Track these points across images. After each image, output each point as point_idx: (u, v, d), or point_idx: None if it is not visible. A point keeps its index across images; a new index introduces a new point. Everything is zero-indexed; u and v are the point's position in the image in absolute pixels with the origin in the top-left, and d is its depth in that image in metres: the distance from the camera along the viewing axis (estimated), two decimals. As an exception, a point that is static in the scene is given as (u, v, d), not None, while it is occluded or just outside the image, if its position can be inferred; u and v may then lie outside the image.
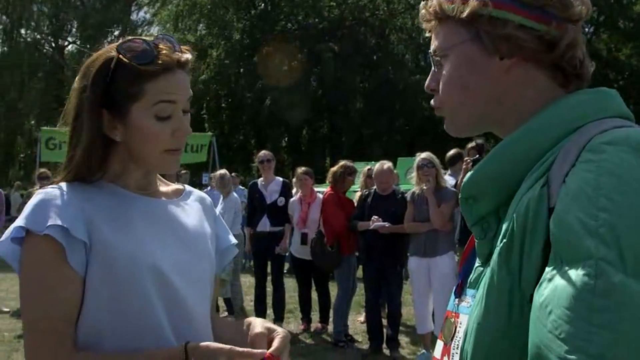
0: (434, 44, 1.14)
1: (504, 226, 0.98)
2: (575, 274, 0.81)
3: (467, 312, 1.08)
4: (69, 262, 1.39)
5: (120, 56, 1.46)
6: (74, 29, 35.85)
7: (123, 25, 34.49)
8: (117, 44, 1.49)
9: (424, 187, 6.19)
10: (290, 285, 8.52)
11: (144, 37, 1.51)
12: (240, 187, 12.87)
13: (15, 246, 1.42)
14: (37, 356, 1.40)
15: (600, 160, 0.87)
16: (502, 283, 0.95)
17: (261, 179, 8.13)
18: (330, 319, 7.53)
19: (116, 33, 34.59)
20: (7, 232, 1.42)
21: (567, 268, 0.83)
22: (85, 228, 1.40)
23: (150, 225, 1.51)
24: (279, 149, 28.45)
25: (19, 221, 1.40)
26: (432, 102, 1.16)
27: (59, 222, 1.38)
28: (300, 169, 7.95)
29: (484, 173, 1.05)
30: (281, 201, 7.85)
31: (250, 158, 29.21)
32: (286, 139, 30.53)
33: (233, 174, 12.24)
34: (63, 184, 1.48)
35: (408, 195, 6.49)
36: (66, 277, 1.39)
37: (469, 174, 1.09)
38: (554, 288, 0.83)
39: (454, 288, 1.19)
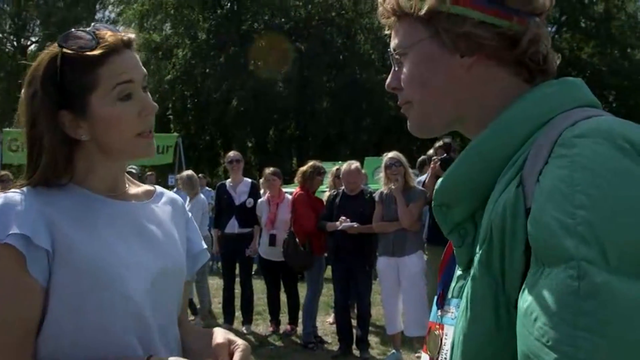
0: (393, 42, 1.11)
1: (482, 232, 0.94)
2: (558, 276, 0.78)
3: (452, 323, 1.03)
4: (29, 272, 1.33)
5: (64, 50, 1.41)
6: (36, 28, 35.34)
7: (87, 24, 33.97)
8: (56, 41, 1.44)
9: (392, 187, 6.18)
10: (259, 287, 8.47)
11: (84, 29, 1.46)
12: (207, 188, 12.78)
13: None
14: None
15: (573, 155, 0.84)
16: (486, 290, 0.91)
17: (229, 180, 8.07)
18: (299, 321, 7.48)
19: (80, 31, 34.21)
20: None
21: (548, 271, 0.79)
22: (47, 234, 1.34)
23: (115, 229, 1.45)
24: (246, 149, 28.38)
25: None
26: (399, 101, 1.13)
27: (20, 230, 1.31)
28: (268, 170, 7.89)
29: (455, 178, 1.02)
30: (250, 202, 7.80)
31: (217, 159, 29.11)
32: (253, 139, 30.44)
33: (200, 175, 12.14)
34: (25, 188, 1.42)
35: (376, 195, 6.48)
36: (26, 287, 1.33)
37: (439, 180, 1.05)
38: (537, 293, 0.80)
39: (436, 298, 1.14)
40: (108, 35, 1.42)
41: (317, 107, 28.53)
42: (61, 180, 1.45)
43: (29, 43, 35.66)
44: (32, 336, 1.36)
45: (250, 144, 30.36)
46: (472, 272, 0.95)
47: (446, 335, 1.07)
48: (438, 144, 6.41)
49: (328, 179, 8.20)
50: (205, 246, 1.73)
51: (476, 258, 0.94)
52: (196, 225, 1.75)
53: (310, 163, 7.52)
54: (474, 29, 1.00)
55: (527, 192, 0.88)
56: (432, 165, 6.30)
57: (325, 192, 7.99)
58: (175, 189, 9.95)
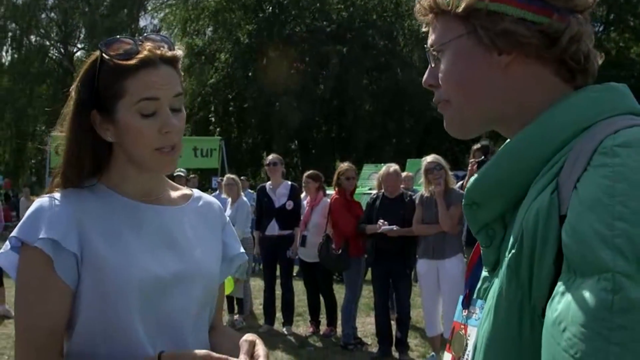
0: (430, 39, 1.09)
1: (512, 236, 0.92)
2: (591, 288, 0.75)
3: (476, 325, 1.03)
4: (58, 274, 1.38)
5: (103, 55, 1.45)
6: (82, 35, 36.08)
7: (131, 31, 34.70)
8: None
9: (433, 190, 6.15)
10: (300, 288, 8.52)
11: (132, 37, 1.49)
12: (250, 190, 12.87)
13: (15, 255, 1.43)
14: None
15: (615, 165, 0.81)
16: (512, 296, 0.90)
17: (269, 182, 8.14)
18: (339, 323, 7.50)
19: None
20: (7, 244, 1.43)
21: (580, 281, 0.77)
22: (77, 240, 1.39)
23: (145, 235, 1.48)
24: (289, 152, 28.53)
25: (15, 232, 1.41)
26: (434, 99, 1.11)
27: (49, 235, 1.37)
28: (307, 173, 8.00)
29: (488, 178, 1.00)
30: (290, 205, 7.85)
31: (260, 161, 29.29)
32: (295, 142, 30.57)
33: (242, 178, 12.25)
34: (58, 193, 1.46)
35: (416, 198, 6.47)
36: (54, 289, 1.39)
37: (472, 178, 1.03)
38: (568, 303, 0.78)
39: (461, 298, 1.13)
40: (147, 47, 1.44)
41: (359, 109, 28.52)
42: (90, 179, 1.49)
43: (75, 50, 36.44)
44: (58, 336, 1.42)
45: (293, 147, 30.51)
46: (499, 276, 0.94)
47: (469, 336, 1.07)
48: (476, 146, 6.34)
49: (375, 182, 8.15)
50: (242, 250, 1.73)
51: (504, 262, 0.92)
52: (233, 229, 1.75)
53: (339, 167, 7.55)
54: (512, 26, 0.97)
55: (562, 199, 0.86)
56: (469, 168, 6.26)
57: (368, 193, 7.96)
58: (217, 192, 10.10)
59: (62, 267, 1.39)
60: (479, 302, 1.05)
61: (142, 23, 37.35)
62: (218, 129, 28.27)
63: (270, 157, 8.23)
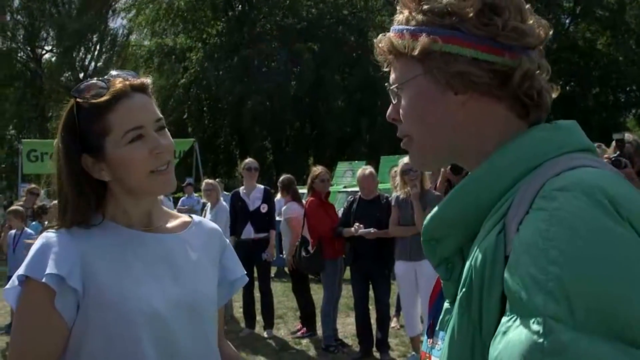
0: (391, 77, 1.13)
1: (463, 275, 0.96)
2: (526, 330, 0.79)
3: (439, 356, 1.06)
4: (57, 309, 1.43)
5: (78, 100, 1.52)
6: (50, 37, 35.63)
7: (100, 32, 34.35)
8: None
9: (409, 191, 6.19)
10: (279, 290, 8.52)
11: (101, 78, 1.56)
12: (225, 192, 12.82)
13: (18, 288, 1.47)
14: None
15: (552, 209, 0.85)
16: (464, 332, 0.94)
17: (242, 187, 8.16)
18: (318, 325, 7.53)
19: (95, 39, 34.47)
20: (14, 280, 1.47)
21: (518, 323, 0.81)
22: (80, 275, 1.44)
23: (149, 265, 1.53)
24: (263, 150, 28.47)
25: (21, 269, 1.45)
26: (398, 133, 1.14)
27: (56, 271, 1.41)
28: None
29: (445, 215, 1.03)
30: (264, 207, 7.91)
31: (234, 161, 29.20)
32: (269, 140, 30.51)
33: (217, 180, 12.21)
34: (63, 229, 1.51)
35: (392, 200, 6.51)
36: (51, 323, 1.44)
37: (429, 215, 1.06)
38: (506, 343, 0.81)
39: (426, 328, 1.17)
40: (117, 82, 1.52)
41: (332, 106, 28.53)
42: (94, 220, 1.53)
43: (43, 52, 35.94)
44: None
45: (267, 145, 30.44)
46: (452, 313, 0.98)
47: None
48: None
49: (349, 179, 8.19)
50: (244, 272, 1.78)
51: (457, 299, 0.96)
52: (234, 252, 1.80)
53: (313, 171, 7.59)
54: (466, 67, 1.00)
55: (507, 240, 0.89)
56: (442, 170, 6.32)
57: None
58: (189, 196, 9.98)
59: (62, 302, 1.43)
60: (441, 333, 1.08)
61: (111, 24, 36.93)
62: (195, 130, 28.08)
63: (249, 161, 8.26)
